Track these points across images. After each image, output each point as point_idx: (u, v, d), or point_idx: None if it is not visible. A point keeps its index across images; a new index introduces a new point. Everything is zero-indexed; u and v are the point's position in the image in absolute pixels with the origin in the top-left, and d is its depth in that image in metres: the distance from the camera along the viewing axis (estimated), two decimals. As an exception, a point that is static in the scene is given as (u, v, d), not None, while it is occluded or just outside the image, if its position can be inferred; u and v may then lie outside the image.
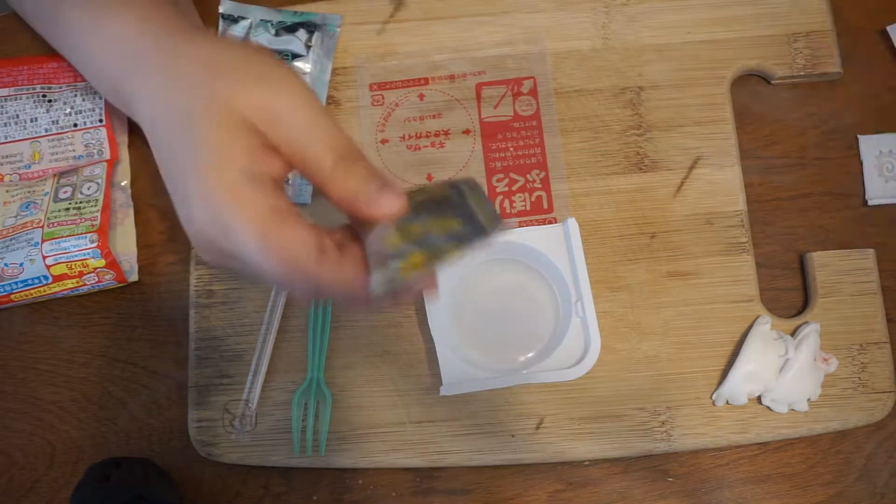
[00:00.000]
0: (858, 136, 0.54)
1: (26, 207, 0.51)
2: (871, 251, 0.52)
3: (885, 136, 0.54)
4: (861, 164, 0.54)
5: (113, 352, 0.52)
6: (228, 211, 0.34)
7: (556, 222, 0.52)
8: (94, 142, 0.53)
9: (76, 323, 0.53)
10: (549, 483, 0.50)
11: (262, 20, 0.55)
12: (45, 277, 0.49)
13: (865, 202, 0.53)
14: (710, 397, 0.50)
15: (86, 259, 0.49)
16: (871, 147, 0.54)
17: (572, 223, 0.49)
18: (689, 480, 0.50)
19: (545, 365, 0.48)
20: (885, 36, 0.55)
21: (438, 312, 0.49)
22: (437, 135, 0.54)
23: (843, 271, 0.51)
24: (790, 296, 0.53)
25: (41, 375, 0.52)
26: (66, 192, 0.51)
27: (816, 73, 0.54)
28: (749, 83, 0.55)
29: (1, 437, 0.51)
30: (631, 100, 0.54)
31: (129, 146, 0.55)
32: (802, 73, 0.54)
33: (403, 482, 0.50)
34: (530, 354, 0.50)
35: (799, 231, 0.53)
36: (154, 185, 0.54)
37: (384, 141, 0.54)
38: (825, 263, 0.51)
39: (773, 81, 0.55)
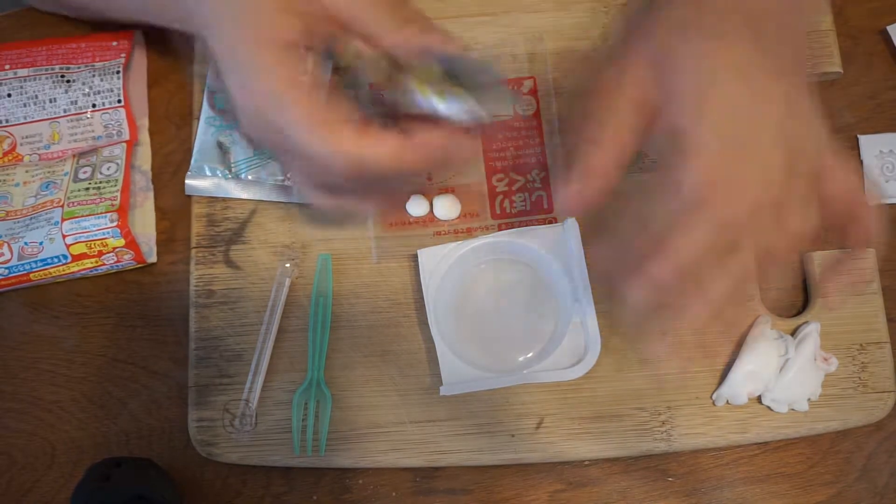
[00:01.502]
0: (858, 136, 0.54)
1: (46, 187, 0.51)
2: (871, 251, 0.52)
3: (885, 136, 0.54)
4: (861, 164, 0.54)
5: (113, 352, 0.52)
6: (282, 98, 0.40)
7: (556, 222, 0.52)
8: (112, 122, 0.53)
9: (76, 323, 0.53)
10: (549, 483, 0.50)
11: None
12: (65, 256, 0.49)
13: (865, 202, 0.53)
14: (710, 397, 0.50)
15: (105, 238, 0.49)
16: (871, 147, 0.54)
17: (572, 223, 0.49)
18: (689, 480, 0.50)
19: (545, 365, 0.48)
20: (885, 36, 0.55)
21: (438, 312, 0.49)
22: (437, 135, 0.54)
23: (843, 271, 0.51)
24: (790, 296, 0.53)
25: (41, 375, 0.52)
26: (85, 171, 0.51)
27: (816, 73, 0.54)
28: (749, 83, 0.55)
29: (1, 437, 0.51)
30: (631, 100, 0.54)
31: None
32: (802, 73, 0.54)
33: (403, 482, 0.50)
34: (530, 354, 0.50)
35: (799, 231, 0.53)
36: (154, 185, 0.54)
37: (384, 141, 0.54)
38: (825, 263, 0.51)
39: (773, 81, 0.55)
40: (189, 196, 0.53)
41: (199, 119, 0.54)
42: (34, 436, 0.51)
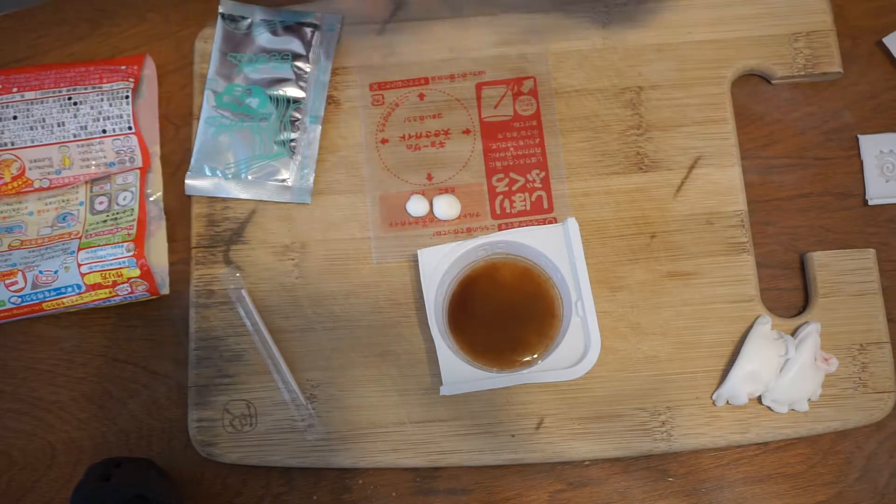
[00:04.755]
0: (858, 136, 0.54)
1: (63, 219, 0.51)
2: (871, 251, 0.52)
3: (885, 136, 0.54)
4: (861, 163, 0.54)
5: (113, 352, 0.52)
6: None
7: (556, 222, 0.52)
8: (125, 149, 0.53)
9: (76, 323, 0.52)
10: (549, 483, 0.50)
11: (262, 20, 0.55)
12: (79, 286, 0.49)
13: (865, 202, 0.53)
14: (711, 397, 0.50)
15: (120, 268, 0.49)
16: (871, 147, 0.54)
17: (572, 223, 0.49)
18: (689, 480, 0.50)
19: (545, 365, 0.48)
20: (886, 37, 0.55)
21: (438, 312, 0.49)
22: (437, 135, 0.54)
23: (843, 271, 0.51)
24: (790, 296, 0.53)
25: (41, 375, 0.52)
26: (101, 202, 0.51)
27: (816, 73, 0.54)
28: (749, 83, 0.55)
29: (1, 437, 0.51)
30: (631, 100, 0.54)
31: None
32: (802, 73, 0.54)
33: (403, 482, 0.50)
34: (530, 355, 0.50)
35: (799, 231, 0.53)
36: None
37: (384, 141, 0.54)
38: (825, 263, 0.51)
39: (773, 81, 0.55)
40: (189, 196, 0.53)
41: (199, 119, 0.54)
42: (34, 436, 0.51)
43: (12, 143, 0.52)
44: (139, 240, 0.49)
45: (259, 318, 0.51)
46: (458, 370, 0.48)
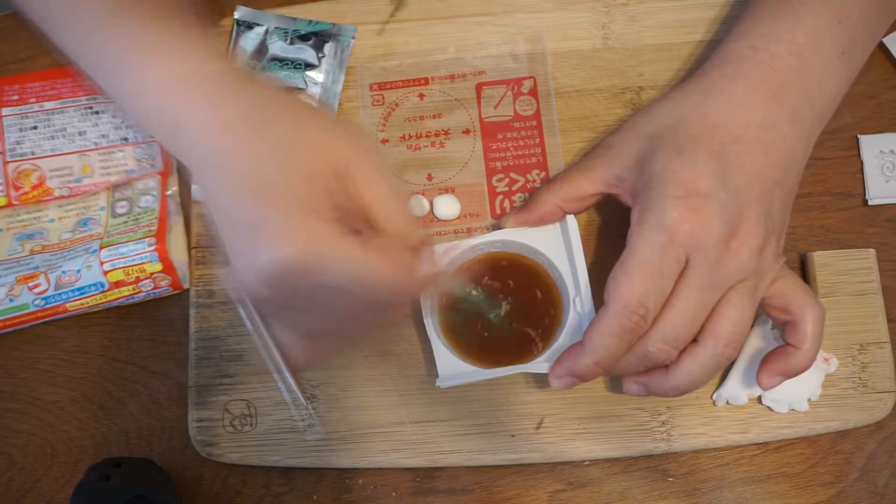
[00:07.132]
0: (858, 136, 0.54)
1: (84, 223, 0.51)
2: (871, 251, 0.52)
3: (885, 136, 0.54)
4: (861, 163, 0.54)
5: (113, 352, 0.52)
6: (327, 239, 0.37)
7: (555, 222, 0.52)
8: (146, 156, 0.53)
9: (76, 323, 0.53)
10: (549, 483, 0.50)
11: (276, 27, 0.55)
12: (102, 284, 0.49)
13: (866, 202, 0.53)
14: (711, 397, 0.50)
15: (143, 263, 0.49)
16: (872, 147, 0.54)
17: (571, 221, 0.49)
18: (689, 480, 0.50)
19: (543, 358, 0.48)
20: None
21: (434, 309, 0.49)
22: (437, 135, 0.54)
23: (843, 271, 0.51)
24: (790, 296, 0.53)
25: (41, 375, 0.52)
26: (122, 206, 0.51)
27: (816, 73, 0.54)
28: (749, 83, 0.55)
29: (1, 437, 0.51)
30: (631, 100, 0.54)
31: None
32: (802, 73, 0.54)
33: (403, 482, 0.50)
34: (528, 353, 0.50)
35: (799, 231, 0.53)
36: (154, 185, 0.54)
37: (384, 141, 0.54)
38: (825, 263, 0.51)
39: (773, 81, 0.55)
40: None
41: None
42: (34, 436, 0.51)
43: (32, 153, 0.53)
44: (160, 234, 0.49)
45: (259, 319, 0.50)
46: (455, 365, 0.48)
